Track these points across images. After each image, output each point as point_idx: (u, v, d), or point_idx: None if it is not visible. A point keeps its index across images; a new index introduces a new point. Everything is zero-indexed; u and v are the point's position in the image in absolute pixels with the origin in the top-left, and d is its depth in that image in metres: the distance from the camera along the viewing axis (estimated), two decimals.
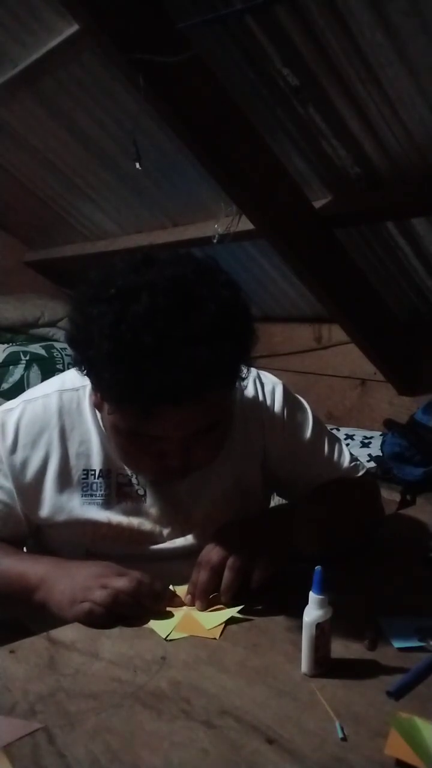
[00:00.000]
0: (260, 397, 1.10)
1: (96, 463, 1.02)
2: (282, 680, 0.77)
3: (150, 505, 1.04)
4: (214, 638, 0.86)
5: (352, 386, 2.68)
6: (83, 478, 1.02)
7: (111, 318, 0.80)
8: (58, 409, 1.03)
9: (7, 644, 0.84)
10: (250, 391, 1.10)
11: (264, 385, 1.11)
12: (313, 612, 0.77)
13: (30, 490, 1.02)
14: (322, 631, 0.77)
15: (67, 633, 0.86)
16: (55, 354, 3.31)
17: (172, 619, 0.89)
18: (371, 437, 2.46)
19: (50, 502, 1.02)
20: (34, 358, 3.22)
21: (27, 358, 3.21)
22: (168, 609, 0.91)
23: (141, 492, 1.04)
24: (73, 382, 1.05)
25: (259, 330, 0.90)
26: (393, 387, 2.47)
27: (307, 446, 1.12)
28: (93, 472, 1.02)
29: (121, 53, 1.60)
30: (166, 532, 1.05)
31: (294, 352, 2.82)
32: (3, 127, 2.71)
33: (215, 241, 2.13)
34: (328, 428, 1.19)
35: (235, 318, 0.85)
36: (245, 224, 2.10)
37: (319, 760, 0.64)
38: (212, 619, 0.89)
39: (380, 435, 2.30)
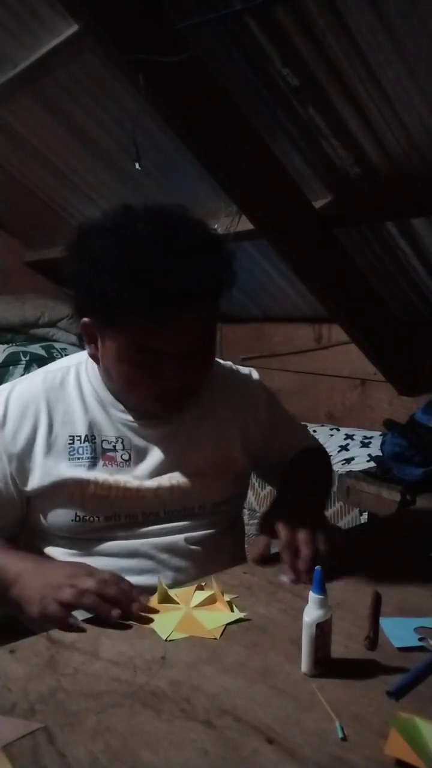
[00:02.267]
0: (239, 376, 1.24)
1: (80, 429, 1.08)
2: (282, 680, 0.77)
3: (134, 468, 1.09)
4: (214, 638, 0.85)
5: (352, 386, 2.68)
6: (69, 443, 1.08)
7: (114, 242, 0.93)
8: (43, 386, 1.11)
9: (7, 644, 0.84)
10: (228, 371, 1.23)
11: (240, 369, 1.26)
12: (313, 612, 0.77)
13: (21, 460, 1.07)
14: (322, 631, 0.77)
15: (67, 633, 0.86)
16: (55, 354, 3.31)
17: (172, 619, 0.89)
18: (371, 437, 2.46)
19: (40, 468, 1.07)
20: (34, 358, 3.23)
21: (27, 358, 3.22)
22: (168, 610, 0.91)
23: (126, 457, 1.10)
24: (56, 366, 1.16)
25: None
26: (393, 387, 2.47)
27: (283, 421, 1.28)
28: (78, 437, 1.08)
29: (121, 53, 1.61)
30: (152, 489, 1.09)
31: (294, 352, 2.82)
32: (3, 127, 2.71)
33: None
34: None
35: (217, 240, 1.03)
36: (245, 224, 2.10)
37: (319, 760, 0.64)
38: (213, 620, 0.89)
39: (380, 435, 2.30)
